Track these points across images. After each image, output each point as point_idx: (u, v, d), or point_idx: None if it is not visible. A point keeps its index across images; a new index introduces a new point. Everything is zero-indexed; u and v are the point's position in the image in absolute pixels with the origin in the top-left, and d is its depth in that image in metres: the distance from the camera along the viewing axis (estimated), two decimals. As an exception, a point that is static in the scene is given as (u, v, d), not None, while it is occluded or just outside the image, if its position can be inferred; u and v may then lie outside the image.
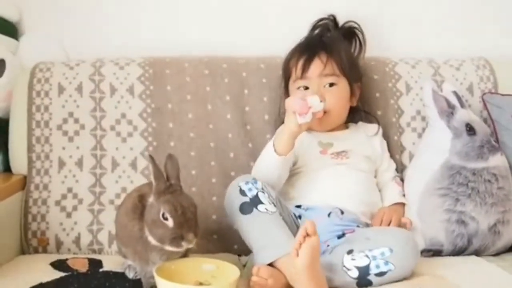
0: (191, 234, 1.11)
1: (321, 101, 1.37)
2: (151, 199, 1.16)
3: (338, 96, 1.45)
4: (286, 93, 1.53)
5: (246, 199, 1.25)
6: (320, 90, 1.43)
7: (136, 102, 1.54)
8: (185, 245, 1.12)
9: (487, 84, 1.63)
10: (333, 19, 1.59)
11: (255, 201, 1.24)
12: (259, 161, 1.40)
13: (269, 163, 1.35)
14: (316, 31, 1.59)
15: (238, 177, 1.32)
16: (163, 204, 1.12)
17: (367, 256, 1.18)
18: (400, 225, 1.39)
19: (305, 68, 1.44)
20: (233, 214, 1.27)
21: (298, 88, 1.46)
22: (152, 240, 1.14)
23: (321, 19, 1.60)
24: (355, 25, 1.59)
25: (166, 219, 1.11)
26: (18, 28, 1.71)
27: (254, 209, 1.24)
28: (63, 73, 1.55)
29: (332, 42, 1.50)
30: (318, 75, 1.44)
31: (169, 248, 1.13)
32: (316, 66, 1.44)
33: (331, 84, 1.44)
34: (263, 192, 1.26)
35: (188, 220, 1.12)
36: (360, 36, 1.58)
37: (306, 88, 1.45)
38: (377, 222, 1.39)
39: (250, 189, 1.26)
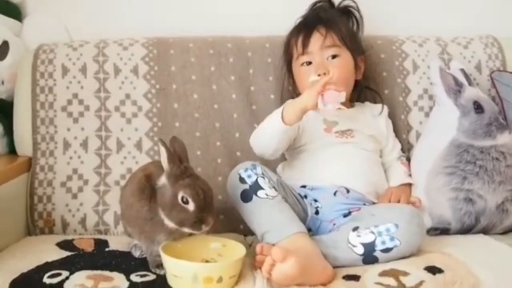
0: (210, 217, 1.12)
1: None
2: (162, 181, 1.15)
3: (343, 67, 1.43)
4: (289, 75, 1.52)
5: (246, 186, 1.24)
6: (324, 62, 1.42)
7: (141, 83, 1.53)
8: (204, 228, 1.12)
9: (496, 62, 1.61)
10: (328, 0, 1.58)
11: (255, 188, 1.24)
12: (261, 126, 1.39)
13: (272, 130, 1.33)
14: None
15: (238, 164, 1.30)
16: (184, 188, 1.11)
17: (372, 232, 1.18)
18: (409, 204, 1.38)
19: (305, 43, 1.43)
20: (235, 202, 1.27)
21: (302, 64, 1.45)
22: (169, 223, 1.14)
23: (317, 1, 1.58)
24: (351, 4, 1.57)
25: (186, 202, 1.11)
26: (22, 10, 1.71)
27: (254, 196, 1.23)
28: (67, 54, 1.54)
29: (329, 15, 1.49)
30: (319, 48, 1.43)
31: (188, 230, 1.13)
32: (316, 39, 1.43)
33: (334, 56, 1.43)
34: (263, 177, 1.25)
35: (208, 204, 1.12)
36: (357, 14, 1.56)
37: (309, 63, 1.44)
38: (385, 201, 1.38)
39: (249, 176, 1.25)
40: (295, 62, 1.48)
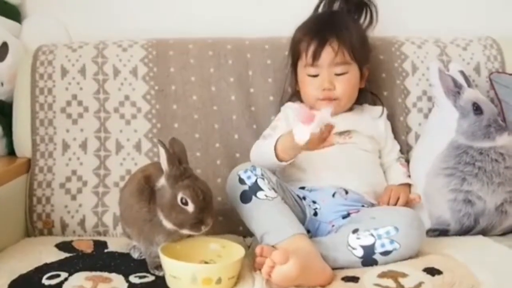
0: (209, 218, 1.12)
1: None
2: (161, 182, 1.15)
3: (349, 84, 1.43)
4: (294, 73, 1.51)
5: (245, 187, 1.24)
6: (330, 77, 1.42)
7: (140, 84, 1.53)
8: (203, 229, 1.12)
9: (494, 64, 1.61)
10: None
11: (254, 189, 1.24)
12: (259, 152, 1.38)
13: (268, 162, 1.31)
14: (323, 4, 1.55)
15: (237, 165, 1.30)
16: (183, 190, 1.11)
17: (372, 235, 1.18)
18: (408, 201, 1.38)
19: (316, 56, 1.41)
20: (234, 203, 1.27)
21: (308, 75, 1.44)
22: (168, 224, 1.14)
23: None
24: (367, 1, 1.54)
25: (185, 204, 1.11)
26: (21, 11, 1.71)
27: (253, 197, 1.23)
28: (66, 55, 1.54)
29: (343, 25, 1.46)
30: (329, 64, 1.42)
31: (187, 232, 1.13)
32: (327, 54, 1.41)
33: (342, 73, 1.43)
34: (262, 179, 1.25)
35: (207, 205, 1.12)
36: (373, 8, 1.54)
37: (316, 76, 1.43)
38: (385, 199, 1.38)
39: (249, 177, 1.25)
40: (302, 68, 1.46)
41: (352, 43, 1.43)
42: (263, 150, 1.35)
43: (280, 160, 1.29)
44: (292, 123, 1.45)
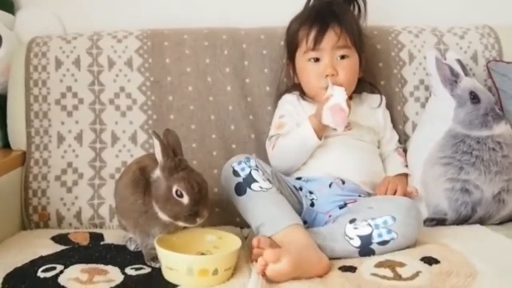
0: (205, 210, 1.12)
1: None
2: (157, 174, 1.15)
3: (350, 69, 1.42)
4: (292, 63, 1.50)
5: (240, 179, 1.24)
6: (332, 62, 1.41)
7: (135, 75, 1.52)
8: (198, 221, 1.12)
9: (492, 52, 1.61)
10: None
11: (249, 181, 1.23)
12: (288, 147, 1.38)
13: (308, 148, 1.37)
14: None
15: (232, 157, 1.30)
16: (178, 182, 1.11)
17: (369, 224, 1.18)
18: (406, 194, 1.38)
19: (318, 40, 1.40)
20: (229, 195, 1.27)
21: (309, 59, 1.43)
22: (163, 216, 1.13)
23: None
24: None
25: (180, 196, 1.10)
26: (15, 2, 1.70)
27: (248, 189, 1.23)
28: (60, 47, 1.53)
29: (344, 12, 1.46)
30: (332, 47, 1.41)
31: (182, 224, 1.13)
32: (330, 37, 1.40)
33: (343, 57, 1.42)
34: (256, 170, 1.25)
35: (203, 197, 1.12)
36: (360, 2, 1.53)
37: (317, 59, 1.42)
38: (382, 190, 1.38)
39: (243, 169, 1.25)
40: (302, 56, 1.45)
41: (353, 29, 1.43)
42: (294, 141, 1.37)
43: (320, 138, 1.35)
44: (301, 115, 1.45)
